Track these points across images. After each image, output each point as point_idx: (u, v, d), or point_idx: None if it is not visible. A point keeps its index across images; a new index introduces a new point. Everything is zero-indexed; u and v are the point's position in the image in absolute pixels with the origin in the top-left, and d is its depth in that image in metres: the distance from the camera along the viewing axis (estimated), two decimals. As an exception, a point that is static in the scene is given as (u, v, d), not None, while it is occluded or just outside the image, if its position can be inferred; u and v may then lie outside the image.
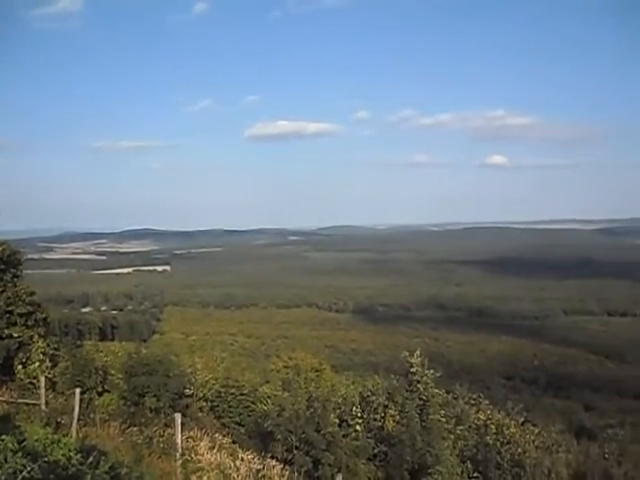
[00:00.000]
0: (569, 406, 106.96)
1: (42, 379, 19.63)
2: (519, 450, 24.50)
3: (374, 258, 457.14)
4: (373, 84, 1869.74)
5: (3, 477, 8.09)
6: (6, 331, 26.52)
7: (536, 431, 28.21)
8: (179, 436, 15.40)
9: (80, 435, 15.24)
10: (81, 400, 17.21)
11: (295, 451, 19.80)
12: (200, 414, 23.55)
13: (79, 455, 9.61)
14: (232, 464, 16.82)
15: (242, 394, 25.17)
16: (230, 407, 24.78)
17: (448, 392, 27.76)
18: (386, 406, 23.46)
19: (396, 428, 22.16)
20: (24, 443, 9.62)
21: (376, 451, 21.60)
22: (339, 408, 22.71)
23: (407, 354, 23.19)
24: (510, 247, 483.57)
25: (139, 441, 16.19)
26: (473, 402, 28.60)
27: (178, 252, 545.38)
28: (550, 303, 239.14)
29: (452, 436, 23.09)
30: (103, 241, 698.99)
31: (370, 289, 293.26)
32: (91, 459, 9.80)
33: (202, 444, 17.70)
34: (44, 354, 25.93)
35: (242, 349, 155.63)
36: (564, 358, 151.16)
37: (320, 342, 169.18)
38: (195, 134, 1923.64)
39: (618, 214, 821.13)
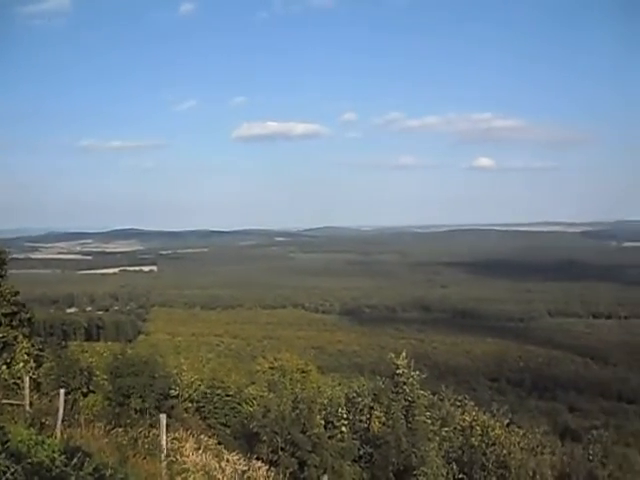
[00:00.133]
0: (554, 407, 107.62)
1: (26, 379, 19.49)
2: (504, 452, 24.58)
3: (360, 259, 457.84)
4: (360, 85, 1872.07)
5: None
6: (-10, 331, 26.37)
7: (521, 433, 28.32)
8: (164, 437, 15.33)
9: (64, 436, 15.13)
10: (66, 401, 17.10)
11: (281, 452, 19.80)
12: (186, 415, 23.50)
13: (63, 456, 9.56)
14: (217, 465, 16.78)
15: (228, 395, 25.15)
16: (216, 408, 24.75)
17: (434, 393, 27.82)
18: (372, 407, 23.51)
19: (382, 429, 22.21)
20: (8, 444, 9.56)
21: (362, 452, 21.63)
22: (325, 409, 22.70)
23: (393, 355, 23.26)
24: (495, 249, 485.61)
25: (124, 442, 16.10)
26: (459, 403, 28.69)
27: (164, 252, 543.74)
28: (535, 305, 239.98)
29: (437, 437, 23.14)
30: (89, 241, 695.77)
31: (356, 290, 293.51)
32: (75, 460, 9.73)
33: (187, 445, 17.64)
34: (28, 354, 25.81)
35: (228, 350, 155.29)
36: (549, 360, 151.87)
37: (306, 343, 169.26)
38: (182, 134, 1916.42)
39: (602, 217, 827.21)
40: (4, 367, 24.03)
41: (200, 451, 17.62)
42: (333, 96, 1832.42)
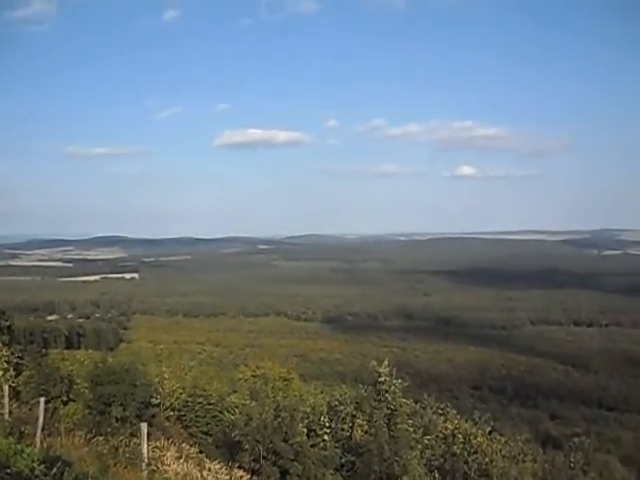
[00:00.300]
0: (535, 415, 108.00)
1: (6, 388, 19.33)
2: (486, 459, 24.65)
3: (343, 267, 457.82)
4: (343, 93, 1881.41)
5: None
6: (-31, 339, 26.15)
7: (503, 440, 28.41)
8: (145, 446, 15.22)
9: (44, 445, 15.02)
10: (46, 409, 16.96)
11: (263, 461, 19.75)
12: (167, 424, 23.36)
13: (43, 466, 9.49)
14: (199, 474, 16.70)
15: (210, 403, 25.04)
16: (197, 416, 24.63)
17: (416, 401, 27.88)
18: (354, 416, 23.50)
19: (364, 438, 22.20)
20: (-14, 454, 9.47)
21: (344, 461, 21.61)
22: (307, 418, 22.68)
23: (375, 364, 23.23)
24: (477, 257, 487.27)
25: (105, 451, 16.00)
26: (441, 411, 28.77)
27: (146, 260, 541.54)
28: (517, 313, 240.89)
29: (420, 445, 23.17)
30: (70, 248, 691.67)
31: (339, 298, 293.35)
32: (55, 470, 9.67)
33: (169, 454, 17.53)
34: (8, 362, 25.61)
35: (210, 358, 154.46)
36: (531, 368, 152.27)
37: (288, 351, 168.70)
38: (165, 141, 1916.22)
39: (583, 225, 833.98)
40: (-17, 375, 23.81)
41: (181, 460, 17.51)
42: (316, 104, 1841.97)
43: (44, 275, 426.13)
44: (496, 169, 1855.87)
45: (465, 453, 24.68)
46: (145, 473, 14.71)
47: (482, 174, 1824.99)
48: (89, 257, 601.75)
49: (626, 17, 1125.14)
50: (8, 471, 8.74)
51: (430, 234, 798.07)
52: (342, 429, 23.39)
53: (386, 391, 22.29)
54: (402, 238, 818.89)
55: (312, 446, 20.96)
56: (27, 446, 11.23)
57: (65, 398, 22.94)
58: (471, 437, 25.98)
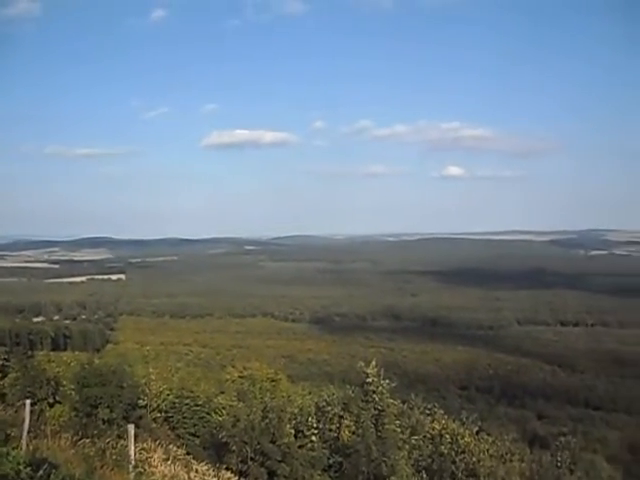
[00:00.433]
0: (523, 415, 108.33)
1: (-9, 390, 19.22)
2: (474, 459, 24.69)
3: (330, 268, 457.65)
4: (330, 93, 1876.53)
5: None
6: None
7: (490, 440, 28.50)
8: (132, 448, 15.18)
9: (30, 448, 14.93)
10: (32, 412, 16.87)
11: (250, 462, 19.72)
12: (154, 425, 23.30)
13: (29, 468, 9.44)
14: (186, 476, 16.65)
15: (197, 405, 24.99)
16: (184, 418, 24.57)
17: (403, 402, 27.91)
18: (341, 416, 23.50)
19: (351, 438, 22.19)
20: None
21: (331, 462, 21.61)
22: (295, 419, 22.66)
23: (363, 364, 23.23)
24: (465, 258, 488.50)
25: (91, 453, 15.92)
26: (428, 412, 28.83)
27: (133, 261, 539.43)
28: (504, 313, 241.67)
29: (407, 446, 23.18)
30: (56, 249, 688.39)
31: (326, 299, 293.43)
32: (42, 472, 9.63)
33: (156, 456, 17.46)
34: (-6, 364, 25.45)
35: (197, 359, 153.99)
36: (518, 367, 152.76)
37: (276, 352, 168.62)
38: (152, 142, 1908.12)
39: (570, 226, 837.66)
40: (-31, 378, 23.68)
41: (169, 462, 17.45)
42: (303, 104, 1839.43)
43: (30, 276, 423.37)
44: (483, 169, 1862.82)
45: (453, 453, 24.72)
46: (132, 475, 14.65)
47: (470, 174, 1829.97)
48: (75, 258, 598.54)
49: (624, 17, 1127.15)
50: (-6, 474, 8.70)
51: (418, 234, 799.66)
52: (330, 430, 23.39)
53: (374, 392, 22.29)
54: (390, 239, 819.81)
55: (300, 447, 20.95)
56: (13, 449, 11.14)
57: (51, 400, 22.82)
58: (459, 437, 26.03)
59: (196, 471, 17.30)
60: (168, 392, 25.71)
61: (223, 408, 24.61)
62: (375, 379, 22.49)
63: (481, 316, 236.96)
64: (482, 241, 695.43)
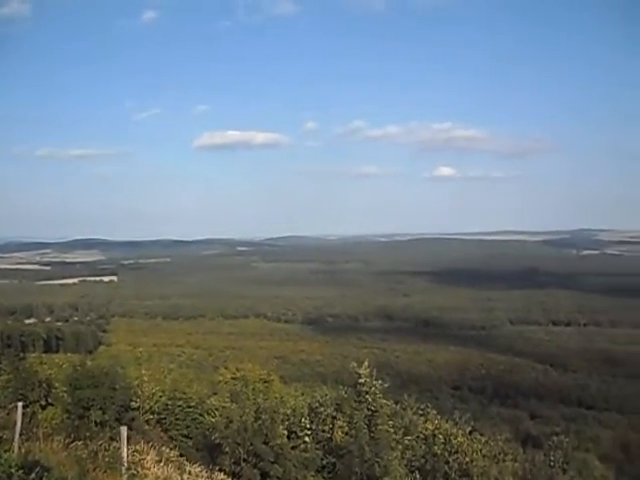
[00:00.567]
0: (515, 414, 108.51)
1: (-17, 393, 19.15)
2: (467, 459, 24.74)
3: (323, 268, 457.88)
4: (322, 94, 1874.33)
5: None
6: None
7: (483, 440, 28.54)
8: (125, 450, 15.13)
9: (22, 450, 14.89)
10: (24, 414, 16.83)
11: (243, 464, 19.70)
12: (147, 427, 23.26)
13: (21, 471, 9.41)
14: (179, 478, 16.63)
15: (189, 406, 24.97)
16: (177, 419, 24.54)
17: (396, 402, 27.93)
18: (334, 417, 23.49)
19: (345, 439, 22.19)
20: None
21: (325, 462, 21.61)
22: (288, 419, 22.65)
23: (355, 365, 23.22)
24: (457, 258, 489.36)
25: (84, 455, 15.89)
26: (421, 412, 28.85)
27: (125, 262, 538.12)
28: (497, 313, 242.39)
29: (400, 446, 23.20)
30: (48, 251, 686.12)
31: (319, 299, 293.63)
32: (34, 475, 9.60)
33: (149, 458, 17.43)
34: (-15, 367, 25.35)
35: (190, 360, 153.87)
36: (510, 367, 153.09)
37: (269, 353, 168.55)
38: (144, 142, 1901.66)
39: (562, 226, 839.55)
40: (-41, 380, 23.58)
41: (162, 463, 17.41)
42: (294, 105, 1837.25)
43: (22, 278, 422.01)
44: (475, 170, 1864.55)
45: (446, 453, 24.76)
46: (125, 477, 14.61)
47: (461, 175, 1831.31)
48: (67, 260, 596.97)
49: (622, 17, 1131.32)
50: (-15, 477, 8.67)
51: (410, 235, 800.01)
52: (323, 431, 23.38)
53: (366, 392, 22.29)
54: (382, 239, 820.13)
55: (293, 448, 20.94)
56: (5, 451, 11.11)
57: (43, 402, 22.76)
58: (452, 437, 26.08)
59: (189, 473, 17.27)
60: (161, 394, 25.67)
61: (216, 409, 24.55)
62: (368, 380, 22.48)
63: (473, 316, 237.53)
64: (474, 241, 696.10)
